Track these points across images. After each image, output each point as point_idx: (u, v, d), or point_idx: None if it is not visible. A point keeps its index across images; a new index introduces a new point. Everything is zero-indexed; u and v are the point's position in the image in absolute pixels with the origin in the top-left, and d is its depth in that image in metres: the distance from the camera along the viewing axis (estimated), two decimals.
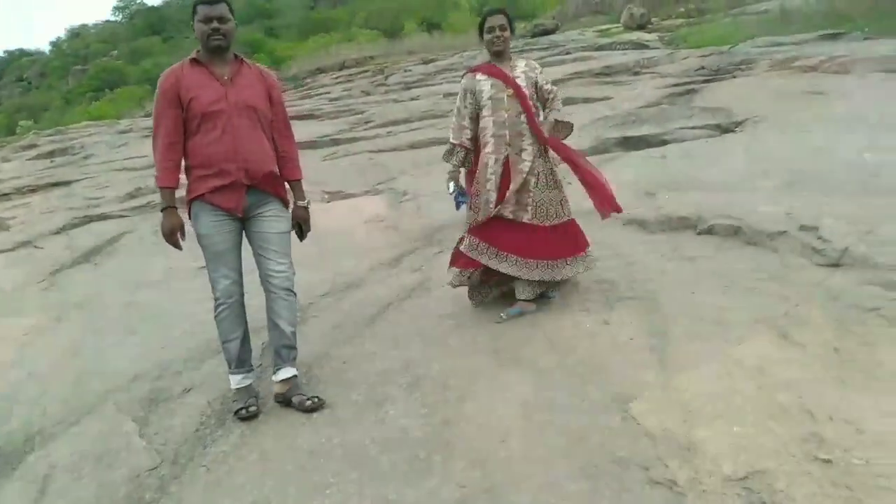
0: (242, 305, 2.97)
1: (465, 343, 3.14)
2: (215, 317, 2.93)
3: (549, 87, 3.49)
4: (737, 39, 15.42)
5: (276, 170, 2.96)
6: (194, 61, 2.87)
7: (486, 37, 3.43)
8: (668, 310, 3.03)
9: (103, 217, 8.00)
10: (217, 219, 2.85)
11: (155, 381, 3.36)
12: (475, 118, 3.44)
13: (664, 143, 7.20)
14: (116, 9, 77.43)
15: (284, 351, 2.95)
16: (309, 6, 55.98)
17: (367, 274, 4.50)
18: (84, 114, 32.65)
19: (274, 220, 2.93)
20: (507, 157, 3.33)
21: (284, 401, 2.91)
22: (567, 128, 3.53)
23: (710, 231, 3.85)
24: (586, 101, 11.72)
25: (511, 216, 3.35)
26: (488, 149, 3.36)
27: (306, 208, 3.08)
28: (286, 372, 2.94)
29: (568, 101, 11.81)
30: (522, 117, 3.34)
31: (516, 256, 3.33)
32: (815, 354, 2.51)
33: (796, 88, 9.04)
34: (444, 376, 2.87)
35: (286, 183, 3.04)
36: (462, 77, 3.57)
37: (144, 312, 4.40)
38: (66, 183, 10.64)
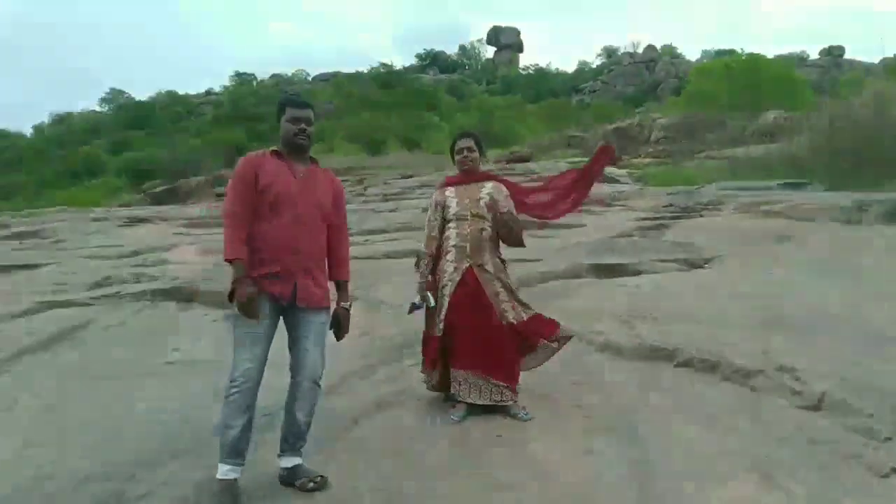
0: (255, 394, 2.91)
1: (442, 462, 3.03)
2: (225, 398, 2.88)
3: (506, 208, 3.69)
4: (703, 181, 16.23)
5: (326, 266, 3.12)
6: (275, 153, 3.06)
7: (457, 157, 3.80)
8: (651, 443, 2.99)
9: (68, 304, 7.78)
10: (261, 303, 2.88)
11: (104, 483, 3.14)
12: (442, 229, 3.72)
13: (637, 273, 7.37)
14: (104, 100, 78.99)
15: (292, 438, 2.99)
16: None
17: (338, 382, 4.39)
18: (59, 198, 32.48)
19: (315, 311, 3.01)
20: (468, 268, 3.57)
21: (287, 483, 2.95)
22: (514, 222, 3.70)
23: (687, 364, 3.89)
24: (561, 227, 12.09)
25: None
26: (449, 257, 3.63)
27: (348, 310, 3.19)
28: (290, 461, 2.98)
29: (544, 226, 12.15)
30: (484, 234, 3.63)
31: (476, 371, 3.51)
32: (799, 501, 2.48)
33: (761, 231, 9.43)
34: (419, 499, 2.75)
35: (332, 282, 3.17)
36: (435, 190, 3.87)
37: (100, 408, 4.19)
38: (34, 266, 10.42)
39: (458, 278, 3.57)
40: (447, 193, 3.75)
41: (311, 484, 2.86)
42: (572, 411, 3.45)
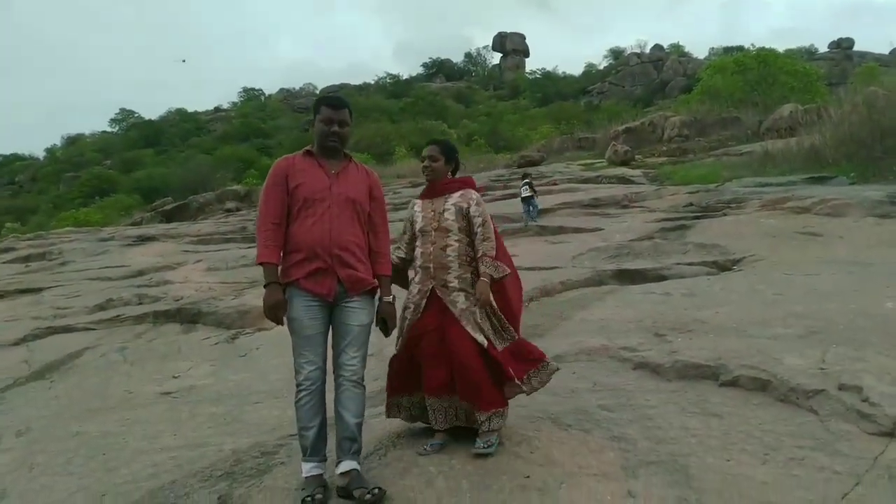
0: (323, 393, 2.92)
1: None
2: (295, 402, 2.90)
3: (479, 219, 3.28)
4: (722, 178, 15.73)
5: (367, 262, 3.03)
6: (308, 153, 3.05)
7: (422, 166, 3.42)
8: (703, 482, 2.56)
9: (67, 329, 7.48)
10: (308, 303, 2.88)
11: None
12: (412, 243, 3.40)
13: (662, 278, 6.96)
14: (114, 121, 79.42)
15: (346, 443, 2.89)
16: (303, 129, 57.78)
17: None
18: (70, 219, 32.42)
19: (357, 311, 2.97)
20: (432, 290, 3.21)
21: (346, 494, 2.79)
22: (496, 270, 3.23)
23: (734, 383, 3.44)
24: (577, 230, 11.67)
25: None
26: (415, 278, 3.31)
27: (392, 304, 3.09)
28: (346, 465, 2.86)
29: (558, 231, 11.77)
30: (448, 251, 3.23)
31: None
32: None
33: (790, 229, 8.98)
34: None
35: (375, 277, 3.06)
36: None
37: (90, 447, 3.83)
38: (36, 290, 10.16)
39: (422, 302, 3.20)
40: (415, 208, 3.40)
41: (369, 496, 2.66)
42: (607, 444, 3.02)
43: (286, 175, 2.94)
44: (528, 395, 3.26)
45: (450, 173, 3.45)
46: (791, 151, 17.00)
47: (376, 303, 3.07)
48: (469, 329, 3.09)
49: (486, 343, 3.10)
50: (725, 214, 11.09)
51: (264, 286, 2.85)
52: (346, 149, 3.10)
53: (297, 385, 2.87)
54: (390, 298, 3.07)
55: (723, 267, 7.35)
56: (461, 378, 3.10)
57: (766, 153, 17.77)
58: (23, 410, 4.83)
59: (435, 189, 3.38)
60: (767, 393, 3.30)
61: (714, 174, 16.83)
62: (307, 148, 3.08)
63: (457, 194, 3.33)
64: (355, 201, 2.98)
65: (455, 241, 3.22)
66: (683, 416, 3.20)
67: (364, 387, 2.98)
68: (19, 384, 5.72)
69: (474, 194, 3.36)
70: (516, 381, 3.13)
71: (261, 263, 2.88)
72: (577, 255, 8.89)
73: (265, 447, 3.46)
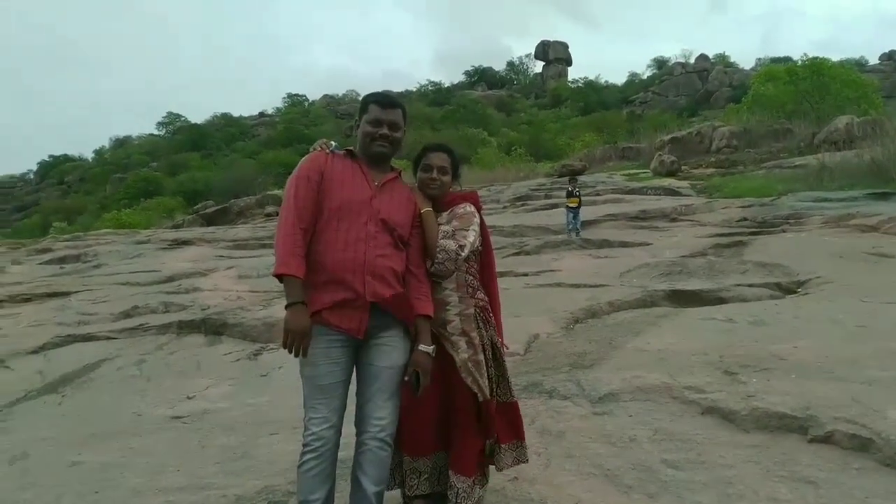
0: (335, 457, 2.37)
1: None
2: (298, 466, 2.33)
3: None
4: (777, 192, 14.94)
5: (405, 293, 2.48)
6: (350, 153, 2.56)
7: (421, 175, 2.70)
8: None
9: (88, 337, 7.19)
10: (330, 344, 2.35)
11: None
12: None
13: (721, 300, 6.37)
14: (161, 124, 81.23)
15: None
16: (345, 135, 57.99)
17: None
18: (112, 220, 32.85)
19: (391, 351, 2.43)
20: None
21: None
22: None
23: (827, 440, 2.89)
24: (623, 245, 11.09)
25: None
26: None
27: (429, 355, 2.46)
28: None
29: (604, 245, 11.17)
30: (446, 282, 2.64)
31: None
32: None
33: (858, 249, 8.30)
34: None
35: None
36: None
37: (84, 482, 3.43)
38: (64, 294, 9.96)
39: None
40: None
41: None
42: None
43: (321, 172, 2.43)
44: (498, 471, 2.71)
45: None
46: (850, 165, 16.13)
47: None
48: (470, 383, 2.52)
49: (487, 397, 2.54)
50: (784, 231, 10.40)
51: (286, 306, 2.28)
52: (396, 158, 2.61)
53: (304, 445, 2.31)
54: (429, 349, 2.44)
55: (787, 290, 6.74)
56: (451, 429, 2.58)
57: (822, 166, 16.89)
58: (25, 430, 4.49)
59: (437, 207, 2.68)
60: (870, 455, 2.74)
61: (768, 187, 16.04)
62: (350, 148, 2.58)
63: (460, 209, 2.67)
64: (397, 226, 2.47)
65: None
66: (769, 480, 2.66)
67: (392, 446, 2.42)
68: (30, 398, 5.41)
69: (470, 209, 2.68)
70: (500, 445, 2.61)
71: (280, 276, 2.30)
72: (625, 272, 8.33)
73: (274, 494, 3.02)
